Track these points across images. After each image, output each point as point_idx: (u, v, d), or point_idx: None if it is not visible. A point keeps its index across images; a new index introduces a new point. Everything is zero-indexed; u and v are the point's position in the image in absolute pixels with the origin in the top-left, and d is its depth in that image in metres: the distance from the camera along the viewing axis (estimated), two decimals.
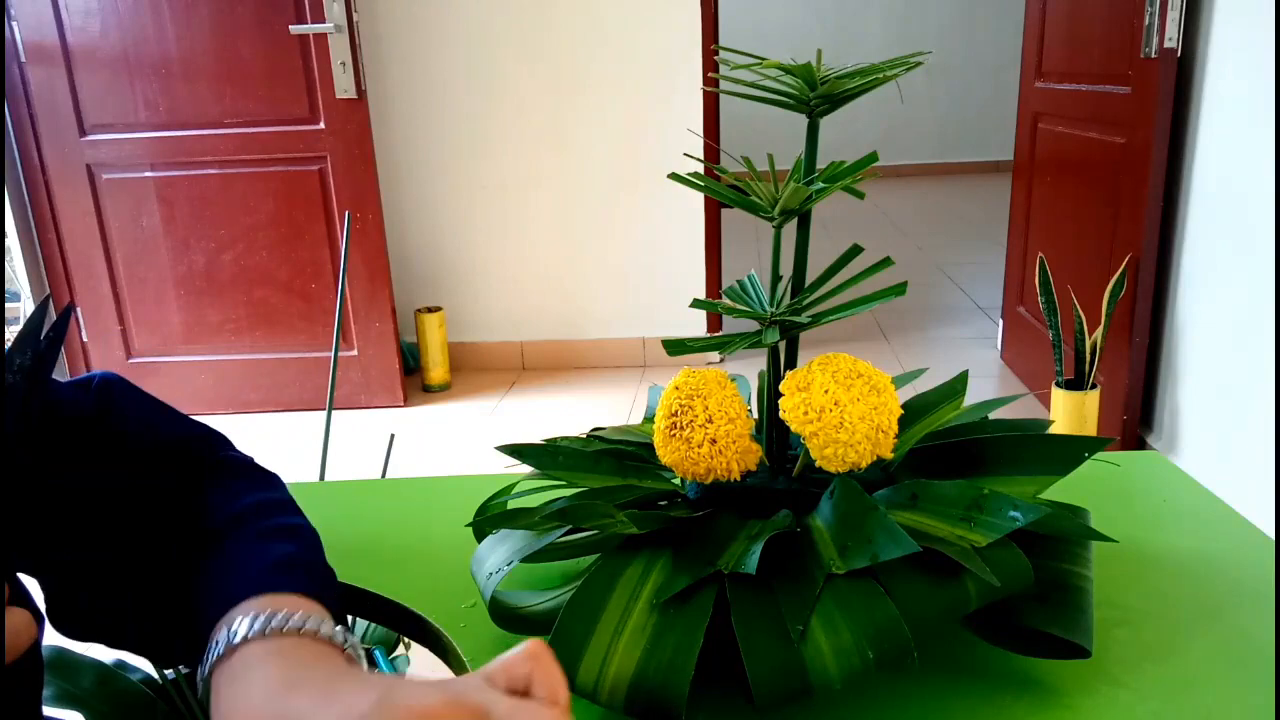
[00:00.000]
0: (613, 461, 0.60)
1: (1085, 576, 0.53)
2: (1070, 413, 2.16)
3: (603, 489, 0.56)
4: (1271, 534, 0.66)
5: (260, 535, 0.52)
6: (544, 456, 0.60)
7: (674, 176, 0.54)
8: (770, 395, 0.55)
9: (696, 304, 0.61)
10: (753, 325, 0.53)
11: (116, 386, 0.56)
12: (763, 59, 0.50)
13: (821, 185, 0.51)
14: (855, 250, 0.55)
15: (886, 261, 0.57)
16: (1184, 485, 0.74)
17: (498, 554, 0.56)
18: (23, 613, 0.40)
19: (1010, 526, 0.47)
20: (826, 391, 0.50)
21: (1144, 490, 0.74)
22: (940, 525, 0.50)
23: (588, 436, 0.65)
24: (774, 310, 0.53)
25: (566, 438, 0.64)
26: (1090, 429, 2.17)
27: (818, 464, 0.52)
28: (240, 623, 0.44)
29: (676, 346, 0.55)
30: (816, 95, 0.51)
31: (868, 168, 0.51)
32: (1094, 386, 2.16)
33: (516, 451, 0.60)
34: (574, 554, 0.57)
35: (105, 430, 0.54)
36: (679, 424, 0.52)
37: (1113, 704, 0.49)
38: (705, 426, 0.52)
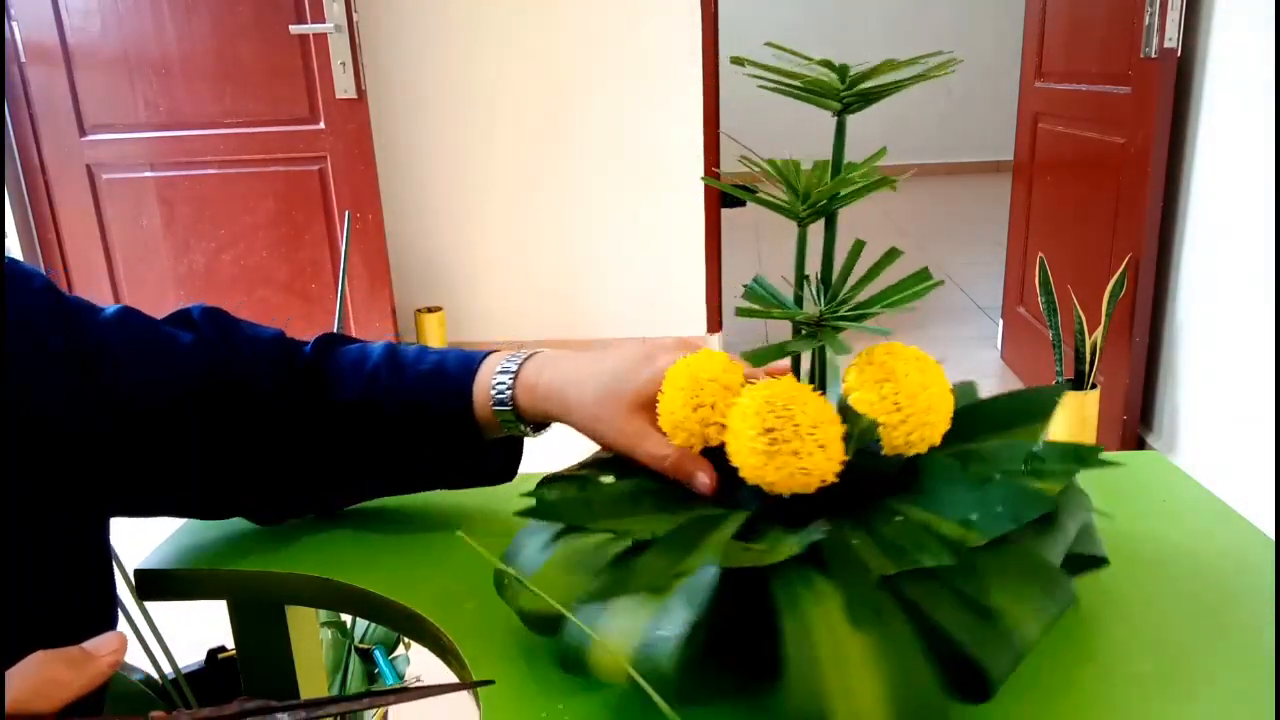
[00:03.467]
0: (651, 500, 0.56)
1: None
2: (1070, 413, 2.16)
3: (662, 541, 0.51)
4: (1271, 534, 0.66)
5: (417, 354, 0.66)
6: (579, 510, 0.55)
7: (707, 180, 0.54)
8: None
9: (743, 313, 0.57)
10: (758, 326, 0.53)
11: (215, 313, 0.66)
12: (807, 57, 0.50)
13: (860, 184, 0.51)
14: (894, 253, 0.55)
15: (894, 252, 0.57)
16: (1184, 485, 0.74)
17: (536, 545, 0.55)
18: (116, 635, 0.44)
19: (1004, 528, 0.47)
20: (910, 376, 0.52)
21: (1144, 490, 0.74)
22: (943, 524, 0.49)
23: (543, 484, 0.59)
24: (823, 310, 0.53)
25: (561, 477, 0.59)
26: (1090, 429, 2.17)
27: (896, 451, 0.52)
28: (506, 359, 0.63)
29: (761, 357, 0.54)
30: (849, 92, 0.51)
31: (878, 165, 0.51)
32: (1094, 386, 2.16)
33: (543, 511, 0.54)
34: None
35: (234, 340, 0.64)
36: (780, 439, 0.49)
37: (1113, 704, 0.49)
38: (812, 434, 0.50)
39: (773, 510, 0.54)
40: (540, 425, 0.65)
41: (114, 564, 0.63)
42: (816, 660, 0.43)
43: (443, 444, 0.65)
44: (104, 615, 0.61)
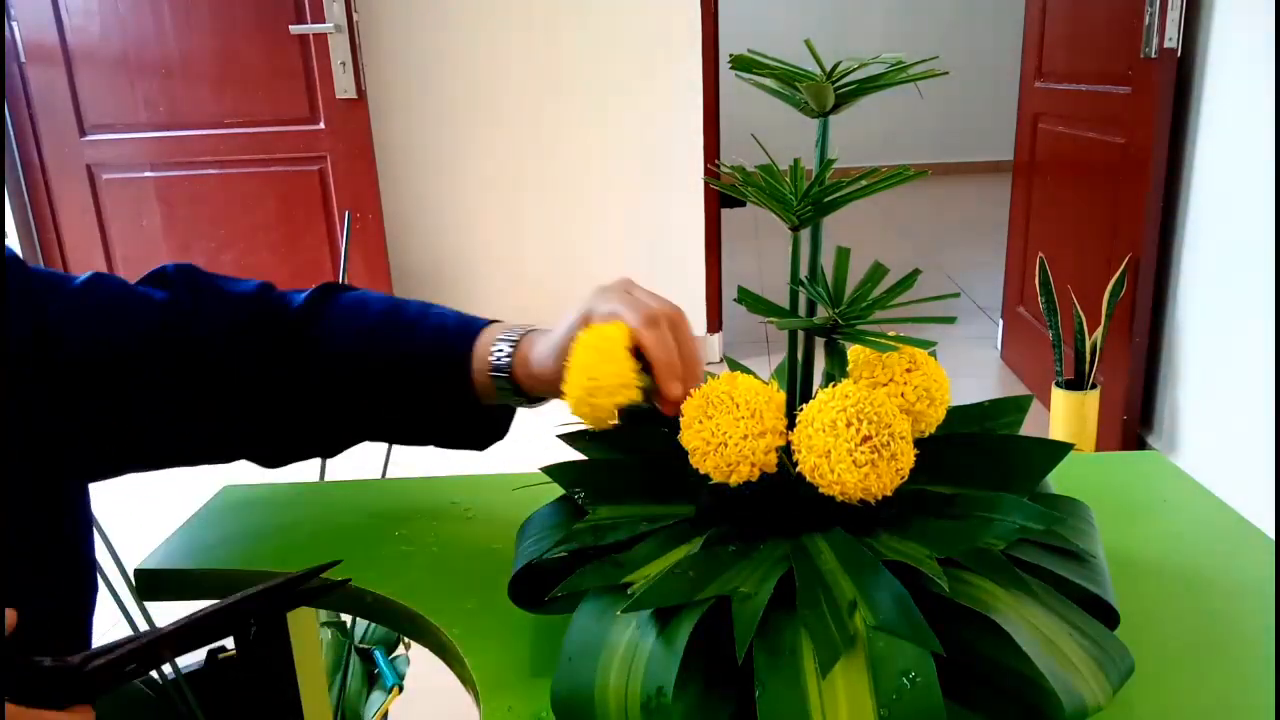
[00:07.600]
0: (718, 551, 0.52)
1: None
2: (1070, 413, 2.16)
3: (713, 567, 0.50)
4: (1271, 534, 0.66)
5: (419, 312, 0.67)
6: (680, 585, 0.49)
7: (710, 180, 0.54)
8: (797, 400, 0.55)
9: (752, 307, 0.57)
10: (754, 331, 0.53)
11: (189, 270, 0.67)
12: (790, 67, 0.51)
13: (865, 184, 0.51)
14: (916, 273, 0.56)
15: (915, 273, 0.57)
16: (1184, 485, 0.74)
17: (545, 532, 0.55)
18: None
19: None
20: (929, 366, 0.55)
21: (1144, 490, 0.74)
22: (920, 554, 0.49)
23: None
24: (836, 313, 0.53)
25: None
26: (1090, 429, 2.17)
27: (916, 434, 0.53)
28: (509, 330, 0.64)
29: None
30: (840, 86, 0.51)
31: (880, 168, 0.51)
32: (1094, 386, 2.16)
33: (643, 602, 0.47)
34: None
35: (202, 296, 0.65)
36: (878, 444, 0.49)
37: (1111, 705, 0.49)
38: (905, 438, 0.50)
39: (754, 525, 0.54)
40: (536, 399, 0.64)
41: (95, 532, 0.64)
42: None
43: (434, 405, 0.65)
44: (84, 586, 0.61)
